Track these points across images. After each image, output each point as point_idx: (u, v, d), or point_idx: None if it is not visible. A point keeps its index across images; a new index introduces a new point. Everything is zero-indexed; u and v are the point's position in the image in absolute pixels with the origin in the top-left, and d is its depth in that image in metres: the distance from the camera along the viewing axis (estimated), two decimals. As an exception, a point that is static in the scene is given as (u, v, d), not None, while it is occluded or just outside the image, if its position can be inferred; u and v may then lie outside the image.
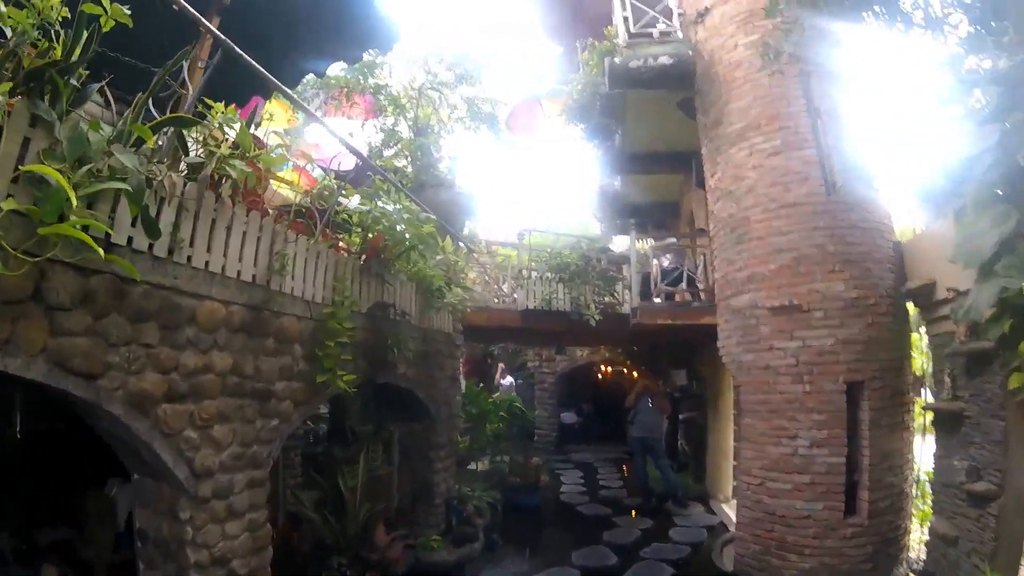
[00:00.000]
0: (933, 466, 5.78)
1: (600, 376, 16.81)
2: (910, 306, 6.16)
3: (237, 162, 3.49)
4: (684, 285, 8.52)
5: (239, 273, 3.82)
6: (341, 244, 5.40)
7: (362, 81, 9.70)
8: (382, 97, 10.34)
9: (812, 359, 5.74)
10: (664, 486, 9.49)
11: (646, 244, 10.90)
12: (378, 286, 5.60)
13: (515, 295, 9.02)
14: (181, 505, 3.48)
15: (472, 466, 10.97)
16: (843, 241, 5.95)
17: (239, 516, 3.86)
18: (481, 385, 12.89)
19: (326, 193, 5.03)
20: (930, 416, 6.01)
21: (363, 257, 5.43)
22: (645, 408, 9.68)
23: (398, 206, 5.48)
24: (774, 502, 5.84)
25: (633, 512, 9.12)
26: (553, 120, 12.12)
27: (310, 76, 9.06)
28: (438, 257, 5.96)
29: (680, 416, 11.73)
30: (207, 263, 3.54)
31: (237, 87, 4.26)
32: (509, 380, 15.71)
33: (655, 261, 9.06)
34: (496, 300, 9.47)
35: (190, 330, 3.43)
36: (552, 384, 15.79)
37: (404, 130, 9.91)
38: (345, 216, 5.34)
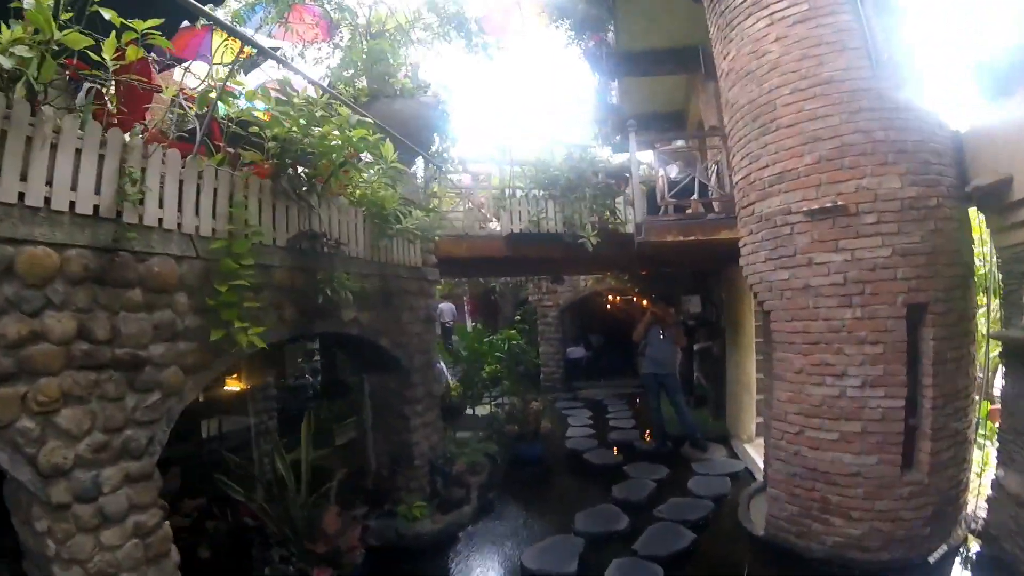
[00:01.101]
0: (1001, 408, 4.78)
1: (608, 306, 15.69)
2: (971, 212, 5.03)
3: (20, 48, 2.30)
4: (696, 196, 7.28)
5: (72, 205, 2.77)
6: (258, 163, 4.20)
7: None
8: (328, 6, 8.93)
9: (863, 276, 4.54)
10: (680, 426, 8.46)
11: (649, 155, 9.63)
12: (304, 213, 4.42)
13: (495, 219, 7.78)
14: (35, 514, 2.72)
15: (470, 411, 10.03)
16: (894, 127, 4.69)
17: (117, 521, 2.96)
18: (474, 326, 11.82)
19: (212, 95, 3.79)
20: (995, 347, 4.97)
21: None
22: (656, 340, 8.52)
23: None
24: (816, 455, 4.75)
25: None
26: (535, 24, 10.62)
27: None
28: (374, 169, 4.72)
29: (695, 347, 10.62)
30: (22, 195, 2.56)
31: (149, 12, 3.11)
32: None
33: (661, 171, 7.78)
34: (480, 227, 8.25)
35: (8, 287, 2.50)
36: (555, 318, 14.59)
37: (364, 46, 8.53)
38: (257, 130, 4.15)
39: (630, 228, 7.74)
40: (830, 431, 4.67)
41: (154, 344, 3.19)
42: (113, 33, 2.99)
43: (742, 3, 5.44)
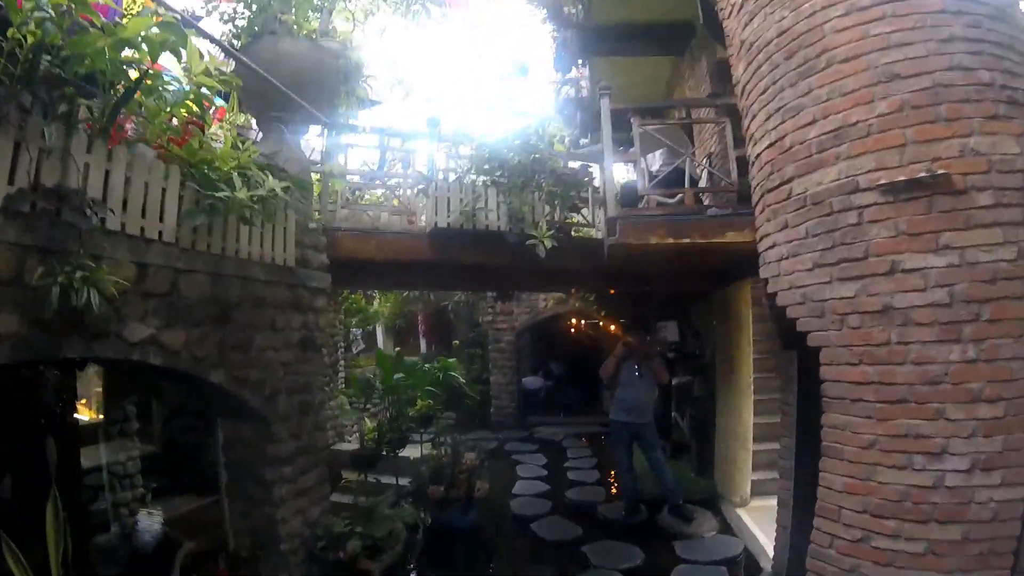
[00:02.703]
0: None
1: (572, 329, 13.86)
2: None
3: None
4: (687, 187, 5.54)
5: None
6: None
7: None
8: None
9: (979, 291, 2.78)
10: (657, 486, 6.59)
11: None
12: (52, 160, 2.54)
13: (417, 208, 5.94)
14: None
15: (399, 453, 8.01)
16: (1001, 66, 3.03)
17: None
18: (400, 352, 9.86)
19: None
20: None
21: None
22: (630, 379, 6.55)
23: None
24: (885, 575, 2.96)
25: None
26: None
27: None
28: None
29: (672, 381, 8.74)
30: None
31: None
32: None
33: (642, 160, 6.01)
34: (410, 222, 6.39)
35: None
36: (510, 343, 12.68)
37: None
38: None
39: (598, 234, 6.00)
40: (913, 539, 2.88)
41: None
42: None
43: (763, -96, 3.77)
